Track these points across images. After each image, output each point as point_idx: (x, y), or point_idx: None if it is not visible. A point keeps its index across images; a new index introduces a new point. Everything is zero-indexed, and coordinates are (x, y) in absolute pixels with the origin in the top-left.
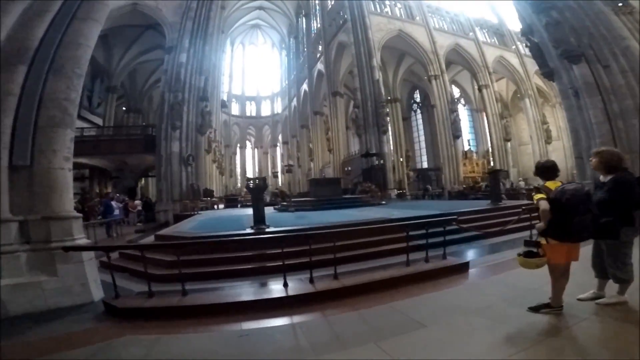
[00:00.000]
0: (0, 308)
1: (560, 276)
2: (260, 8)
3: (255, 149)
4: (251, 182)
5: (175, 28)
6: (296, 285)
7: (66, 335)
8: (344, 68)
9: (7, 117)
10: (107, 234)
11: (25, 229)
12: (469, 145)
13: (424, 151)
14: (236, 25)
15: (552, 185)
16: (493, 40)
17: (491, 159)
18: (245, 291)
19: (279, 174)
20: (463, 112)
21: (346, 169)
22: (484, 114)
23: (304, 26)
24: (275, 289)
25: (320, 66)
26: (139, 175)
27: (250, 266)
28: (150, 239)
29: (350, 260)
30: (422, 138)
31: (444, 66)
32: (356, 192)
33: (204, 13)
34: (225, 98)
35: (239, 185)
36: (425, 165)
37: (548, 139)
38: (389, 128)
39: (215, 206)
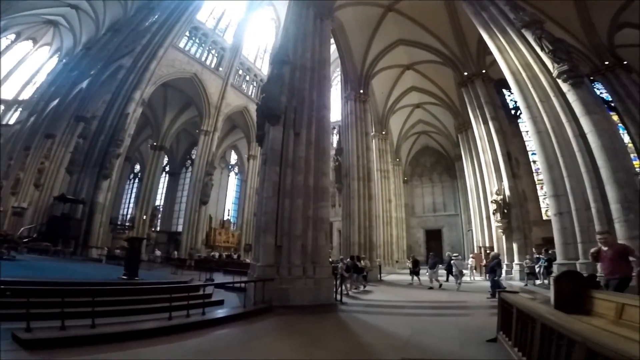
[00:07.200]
0: None
1: None
2: (75, 7)
3: None
4: None
5: None
6: None
7: None
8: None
9: None
10: None
11: None
12: (229, 215)
13: (182, 213)
14: (26, 12)
15: None
16: None
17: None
18: None
19: None
20: (233, 181)
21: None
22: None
23: (106, 41)
24: None
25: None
26: None
27: None
28: None
29: None
30: (185, 199)
31: (220, 124)
32: None
33: None
34: None
35: None
36: (181, 228)
37: None
38: (139, 177)
39: None
